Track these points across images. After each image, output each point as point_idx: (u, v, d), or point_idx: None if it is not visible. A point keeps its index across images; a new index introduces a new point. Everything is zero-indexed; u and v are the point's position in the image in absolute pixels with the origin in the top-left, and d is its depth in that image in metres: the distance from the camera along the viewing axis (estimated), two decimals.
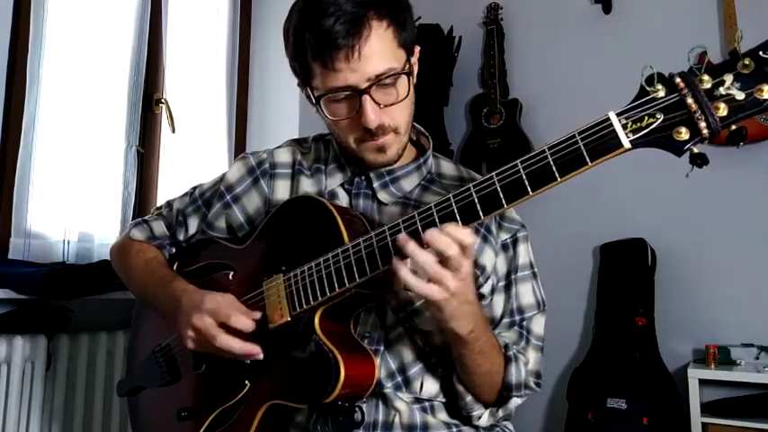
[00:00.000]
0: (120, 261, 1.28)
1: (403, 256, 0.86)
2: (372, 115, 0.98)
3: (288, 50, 1.04)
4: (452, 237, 0.83)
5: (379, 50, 0.96)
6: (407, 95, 1.01)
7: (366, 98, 0.97)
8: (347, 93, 0.98)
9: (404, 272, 0.85)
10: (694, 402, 2.26)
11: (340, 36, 0.93)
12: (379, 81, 0.97)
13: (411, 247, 0.85)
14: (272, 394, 1.00)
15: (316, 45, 0.96)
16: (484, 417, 1.04)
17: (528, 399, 1.07)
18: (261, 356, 0.99)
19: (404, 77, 1.00)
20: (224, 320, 0.99)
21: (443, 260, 0.84)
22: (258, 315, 1.01)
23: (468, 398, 1.03)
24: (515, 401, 1.04)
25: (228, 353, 0.99)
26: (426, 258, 0.84)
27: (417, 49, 1.07)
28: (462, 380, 1.02)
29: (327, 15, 0.94)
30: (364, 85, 0.97)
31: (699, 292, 2.56)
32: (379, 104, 0.98)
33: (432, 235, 0.84)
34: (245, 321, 0.99)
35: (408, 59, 1.02)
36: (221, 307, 1.00)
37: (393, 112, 1.01)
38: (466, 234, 0.83)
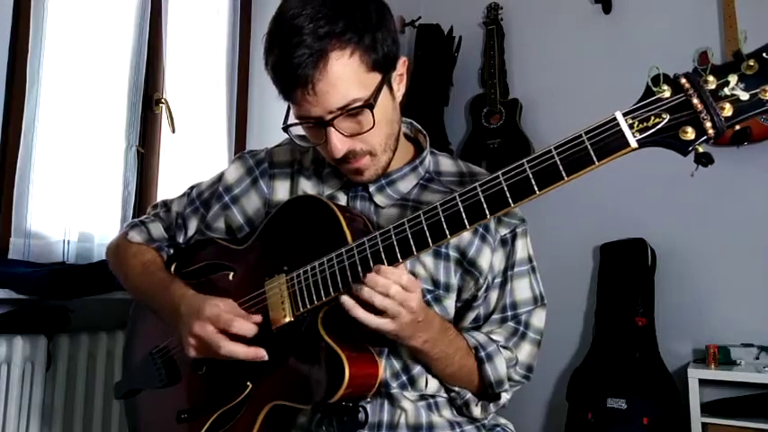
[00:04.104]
0: (117, 262, 1.27)
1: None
2: (339, 145, 0.98)
3: None
4: (392, 279, 0.88)
5: (339, 83, 0.93)
6: (373, 125, 0.97)
7: (330, 130, 0.97)
8: (312, 123, 0.98)
9: (354, 308, 0.90)
10: (694, 402, 2.27)
11: (298, 69, 0.92)
12: (342, 113, 0.95)
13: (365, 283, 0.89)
14: (274, 395, 0.99)
15: (276, 75, 0.97)
16: (479, 407, 1.06)
17: (528, 399, 1.09)
18: (266, 358, 0.99)
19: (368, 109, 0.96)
20: (225, 327, 0.98)
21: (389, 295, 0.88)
22: (259, 318, 1.01)
23: (456, 388, 1.06)
24: (504, 396, 1.07)
25: (233, 359, 0.99)
26: (371, 294, 0.89)
27: (402, 60, 1.04)
28: (439, 378, 1.06)
29: (290, 46, 0.92)
30: (328, 117, 0.96)
31: (699, 292, 2.56)
32: (345, 134, 0.98)
33: (372, 278, 0.88)
34: (246, 326, 0.99)
35: (386, 78, 0.99)
36: (222, 313, 1.00)
37: (365, 138, 0.99)
38: (399, 275, 0.89)
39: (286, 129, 1.02)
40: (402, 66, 1.04)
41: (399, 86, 1.05)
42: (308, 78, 0.92)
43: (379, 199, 1.09)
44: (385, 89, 0.99)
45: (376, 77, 0.97)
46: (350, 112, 0.95)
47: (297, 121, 1.00)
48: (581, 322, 2.81)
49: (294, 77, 0.93)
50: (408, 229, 0.89)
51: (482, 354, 1.03)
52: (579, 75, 2.93)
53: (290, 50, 0.92)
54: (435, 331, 0.98)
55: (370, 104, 0.96)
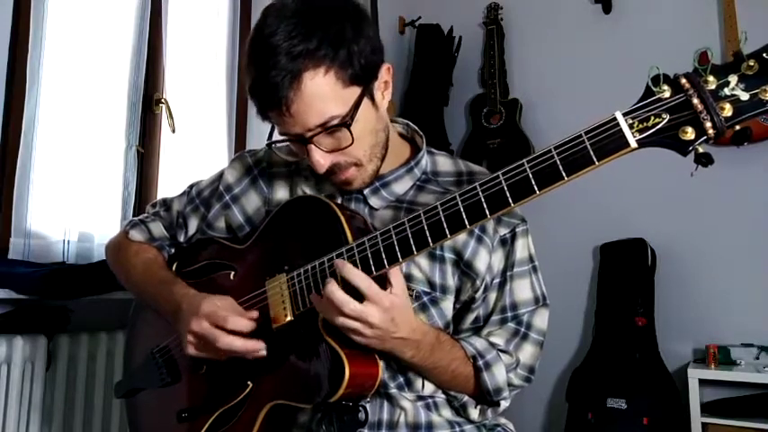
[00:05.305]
0: (118, 260, 1.27)
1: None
2: (321, 161, 0.98)
3: None
4: (362, 286, 0.88)
5: (315, 102, 0.93)
6: (352, 142, 0.97)
7: (311, 147, 0.97)
8: (294, 139, 0.99)
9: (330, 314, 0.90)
10: (694, 402, 2.27)
11: (272, 90, 0.92)
12: (321, 130, 0.95)
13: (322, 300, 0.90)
14: (275, 394, 0.99)
15: (252, 96, 0.97)
16: (476, 410, 1.06)
17: (528, 399, 1.09)
18: (264, 353, 0.99)
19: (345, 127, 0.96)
20: (221, 323, 0.99)
21: (344, 314, 0.88)
22: (255, 314, 1.01)
23: (451, 392, 1.06)
24: (503, 404, 1.06)
25: (231, 353, 1.00)
26: (332, 314, 0.89)
27: (385, 67, 1.02)
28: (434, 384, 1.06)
29: (265, 67, 0.92)
30: (307, 134, 0.96)
31: (699, 292, 2.57)
32: (325, 150, 0.98)
33: (330, 289, 0.88)
34: (242, 322, 0.99)
35: (366, 90, 0.98)
36: (218, 310, 1.00)
37: (347, 151, 0.99)
38: (368, 285, 0.88)
39: (270, 146, 1.04)
40: (386, 73, 1.03)
41: (384, 94, 1.04)
42: (282, 100, 0.92)
43: (373, 201, 1.09)
44: (366, 101, 0.98)
45: (355, 91, 0.97)
46: (328, 129, 0.95)
47: (280, 137, 1.01)
48: (581, 322, 2.81)
49: (269, 99, 0.94)
50: (408, 228, 0.89)
51: (480, 362, 1.03)
52: (579, 75, 2.93)
53: (265, 72, 0.92)
54: (425, 347, 0.97)
55: (346, 123, 0.95)
